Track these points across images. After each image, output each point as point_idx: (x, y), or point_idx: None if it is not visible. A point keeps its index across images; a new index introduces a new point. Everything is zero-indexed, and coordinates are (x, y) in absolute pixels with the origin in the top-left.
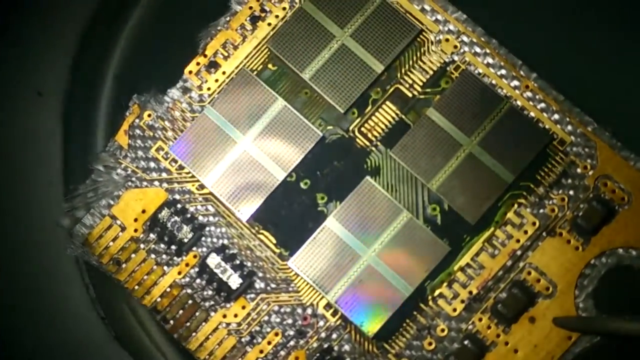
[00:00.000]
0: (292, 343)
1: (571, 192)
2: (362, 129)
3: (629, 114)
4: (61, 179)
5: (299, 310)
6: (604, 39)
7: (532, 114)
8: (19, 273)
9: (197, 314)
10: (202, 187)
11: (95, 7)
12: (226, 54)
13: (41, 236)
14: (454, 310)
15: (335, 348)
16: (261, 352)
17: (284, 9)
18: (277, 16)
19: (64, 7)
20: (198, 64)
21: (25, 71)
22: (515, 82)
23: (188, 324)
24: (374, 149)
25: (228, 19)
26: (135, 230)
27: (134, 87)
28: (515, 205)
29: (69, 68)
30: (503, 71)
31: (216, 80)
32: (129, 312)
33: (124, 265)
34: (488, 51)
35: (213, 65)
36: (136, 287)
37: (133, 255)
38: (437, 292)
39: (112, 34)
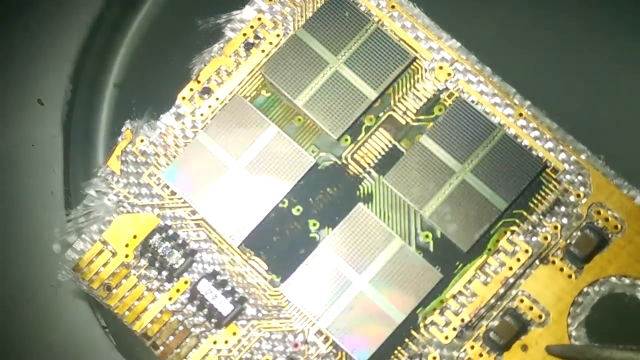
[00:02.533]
0: None
1: (564, 220)
2: (355, 155)
3: (622, 142)
4: (62, 188)
5: (290, 337)
6: (597, 67)
7: (525, 141)
8: (18, 282)
9: (187, 340)
10: (194, 212)
11: (96, 16)
12: (220, 80)
13: (42, 245)
14: (446, 337)
15: None
16: None
17: (278, 35)
18: (270, 43)
19: (65, 17)
20: (191, 89)
21: (26, 80)
22: (509, 110)
23: (178, 349)
24: (366, 175)
25: (222, 45)
26: (127, 256)
27: (134, 96)
28: (508, 233)
29: (69, 77)
30: (497, 99)
31: (209, 106)
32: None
33: (114, 291)
34: (482, 79)
35: (206, 92)
36: (126, 313)
37: (124, 281)
38: (429, 320)
39: (112, 43)
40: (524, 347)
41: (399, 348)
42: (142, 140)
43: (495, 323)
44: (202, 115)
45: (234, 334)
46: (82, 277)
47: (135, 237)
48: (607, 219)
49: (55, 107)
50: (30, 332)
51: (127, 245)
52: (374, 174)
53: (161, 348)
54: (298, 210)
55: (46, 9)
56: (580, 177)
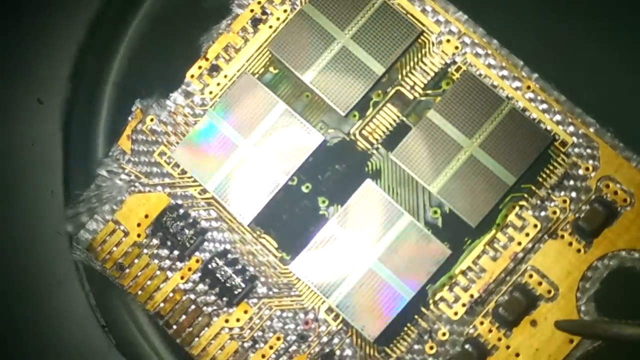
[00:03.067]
0: (293, 347)
1: (573, 194)
2: (363, 131)
3: (631, 114)
4: (62, 187)
5: (301, 315)
6: (605, 39)
7: (533, 115)
8: (19, 281)
9: (199, 318)
10: (204, 191)
11: (95, 15)
12: (228, 58)
13: (42, 244)
14: (455, 313)
15: (337, 352)
16: (263, 356)
17: (285, 11)
18: (278, 18)
19: (64, 15)
20: (200, 67)
21: (26, 79)
22: (517, 83)
23: (190, 328)
24: (375, 151)
25: (229, 22)
26: (139, 235)
27: (134, 95)
28: (517, 208)
29: (69, 76)
30: (504, 72)
31: (218, 84)
32: (129, 319)
33: (127, 270)
34: (489, 52)
35: (215, 69)
36: (139, 292)
37: (136, 260)
38: (438, 296)
39: (112, 42)
40: (533, 323)
41: (408, 325)
42: (152, 120)
43: (505, 299)
44: (210, 93)
45: (245, 312)
46: (95, 257)
47: (146, 216)
48: (616, 192)
49: (54, 106)
50: (29, 331)
51: (138, 225)
52: (382, 149)
53: (174, 327)
54: (307, 187)
55: (46, 8)
56: (589, 150)
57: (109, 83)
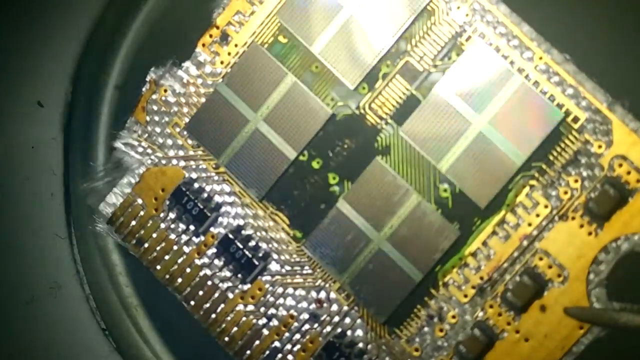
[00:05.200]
0: (306, 327)
1: (585, 173)
2: (373, 105)
3: None
4: (62, 190)
5: (313, 293)
6: (619, 12)
7: (545, 88)
8: (18, 283)
9: (215, 295)
10: (217, 165)
11: (96, 18)
12: (237, 26)
13: (42, 247)
14: (465, 296)
15: (348, 333)
16: (277, 334)
17: None
18: None
19: (65, 18)
20: (211, 36)
21: (26, 81)
22: (528, 54)
23: (207, 304)
24: (385, 126)
25: None
26: (156, 209)
27: (135, 98)
28: (527, 188)
29: (69, 78)
30: (515, 41)
31: (229, 54)
32: (130, 323)
33: (145, 245)
34: (500, 19)
35: (225, 38)
36: (158, 267)
37: (154, 235)
38: (447, 278)
39: (113, 45)
40: (542, 308)
41: (418, 306)
42: (165, 90)
43: (514, 283)
44: (222, 62)
45: (260, 289)
46: (115, 230)
47: (163, 190)
48: (629, 172)
49: (55, 109)
50: (29, 334)
51: (155, 199)
52: (392, 123)
53: (192, 303)
54: (318, 163)
55: (46, 10)
56: (602, 127)
57: (110, 86)
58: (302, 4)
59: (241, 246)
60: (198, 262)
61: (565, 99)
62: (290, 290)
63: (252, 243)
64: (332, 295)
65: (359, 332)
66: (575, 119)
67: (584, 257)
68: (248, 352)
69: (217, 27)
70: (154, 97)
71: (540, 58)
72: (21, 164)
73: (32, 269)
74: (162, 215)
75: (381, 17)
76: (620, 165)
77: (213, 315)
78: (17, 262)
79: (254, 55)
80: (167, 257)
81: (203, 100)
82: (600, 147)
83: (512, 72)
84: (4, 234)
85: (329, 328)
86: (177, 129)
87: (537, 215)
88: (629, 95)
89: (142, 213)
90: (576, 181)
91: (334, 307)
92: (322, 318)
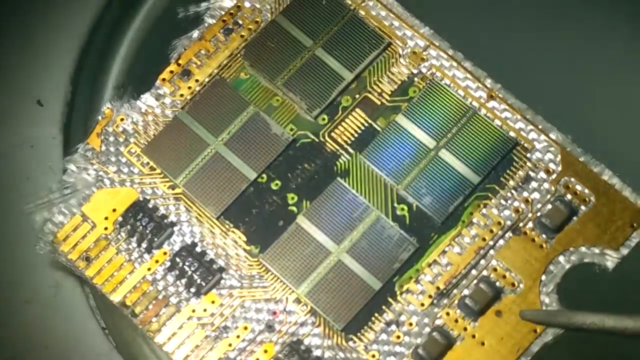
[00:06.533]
0: (261, 337)
1: (535, 195)
2: (332, 134)
3: (590, 121)
4: (61, 190)
5: (269, 306)
6: (565, 50)
7: (497, 121)
8: (16, 283)
9: (165, 308)
10: (173, 187)
11: (96, 18)
12: (199, 63)
13: (41, 247)
14: (422, 304)
15: (305, 341)
16: (230, 345)
17: (257, 22)
18: (249, 29)
19: (64, 17)
20: (171, 72)
21: (26, 81)
22: (480, 93)
23: (156, 317)
24: (343, 152)
25: (202, 30)
26: (106, 228)
27: (134, 98)
28: (481, 206)
29: (69, 78)
30: (469, 82)
31: (189, 88)
32: (129, 322)
33: (93, 262)
34: (454, 64)
35: (186, 74)
36: (105, 283)
37: (103, 253)
38: (405, 288)
39: (112, 44)
40: (498, 313)
41: (376, 315)
42: (122, 119)
43: (470, 290)
44: (181, 95)
45: (213, 302)
46: (60, 249)
47: (114, 210)
48: (576, 193)
49: (54, 108)
50: (29, 333)
51: (106, 218)
52: (350, 150)
53: (140, 316)
54: (277, 184)
55: (46, 10)
56: (549, 155)
57: (109, 86)
58: (267, 43)
59: (195, 261)
60: (149, 277)
61: (515, 131)
62: (245, 303)
63: (207, 258)
64: (289, 307)
65: (316, 341)
66: (525, 148)
67: (536, 267)
68: None
69: (179, 64)
70: (110, 125)
71: (492, 96)
72: (21, 163)
73: (32, 268)
74: (112, 234)
75: (342, 56)
76: (568, 187)
77: (163, 329)
78: (16, 261)
79: (216, 87)
80: (115, 274)
81: (161, 128)
82: (548, 171)
83: (467, 105)
84: (3, 232)
85: (285, 337)
86: (133, 154)
87: (491, 231)
88: (574, 127)
89: (90, 231)
90: (527, 201)
91: (290, 318)
92: (278, 328)
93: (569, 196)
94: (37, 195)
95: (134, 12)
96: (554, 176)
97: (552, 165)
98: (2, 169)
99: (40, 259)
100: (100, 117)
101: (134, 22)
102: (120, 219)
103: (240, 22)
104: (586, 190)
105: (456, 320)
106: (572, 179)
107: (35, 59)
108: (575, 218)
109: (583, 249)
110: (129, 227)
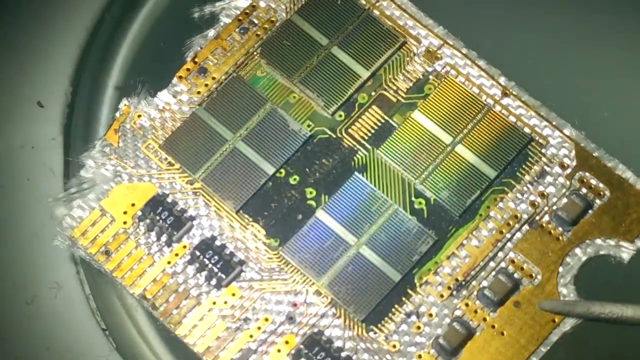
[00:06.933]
0: (282, 328)
1: (550, 189)
2: (350, 130)
3: (603, 117)
4: (62, 190)
5: (289, 297)
6: (577, 49)
7: (511, 118)
8: (18, 283)
9: (186, 300)
10: (192, 182)
11: (96, 18)
12: (216, 61)
13: (42, 247)
14: (441, 296)
15: (326, 332)
16: (251, 336)
17: (272, 21)
18: (265, 28)
19: (65, 18)
20: (188, 69)
21: (26, 82)
22: (495, 90)
23: (177, 310)
24: (360, 148)
25: (218, 30)
26: (125, 223)
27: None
28: (498, 200)
29: (69, 79)
30: (483, 80)
31: (206, 85)
32: (130, 323)
33: (113, 255)
34: (468, 62)
35: (203, 71)
36: (125, 276)
37: (122, 246)
38: (424, 279)
39: (113, 45)
40: (517, 304)
41: (396, 306)
42: (139, 116)
43: (489, 281)
44: (198, 93)
45: (233, 294)
46: (80, 243)
47: (133, 205)
48: (590, 187)
49: (55, 109)
50: (29, 334)
51: (125, 213)
52: (367, 146)
53: (161, 308)
54: (295, 179)
55: (46, 11)
56: (564, 150)
57: (110, 87)
58: (283, 41)
59: (215, 254)
60: (169, 270)
61: (529, 127)
62: (266, 295)
63: (227, 251)
64: (309, 298)
65: (337, 332)
66: (540, 143)
67: (553, 259)
68: (219, 353)
69: (195, 62)
70: (127, 120)
71: (506, 93)
72: (21, 164)
73: (33, 269)
74: (131, 228)
75: (358, 54)
76: (583, 181)
77: (184, 320)
78: (17, 262)
79: (233, 85)
80: (135, 267)
81: (179, 124)
82: (563, 166)
83: (482, 102)
84: (5, 234)
85: (306, 329)
86: (151, 150)
87: (508, 224)
88: (588, 122)
89: (109, 225)
90: (543, 195)
91: (311, 310)
92: (299, 320)
93: (584, 190)
94: (38, 196)
95: (135, 13)
96: (568, 171)
97: (566, 160)
98: (2, 170)
99: (41, 260)
100: (117, 114)
101: (134, 23)
102: (139, 213)
103: (256, 21)
104: (601, 185)
105: (475, 311)
106: (587, 174)
107: (36, 60)
108: (590, 211)
109: (599, 241)
110: (148, 221)
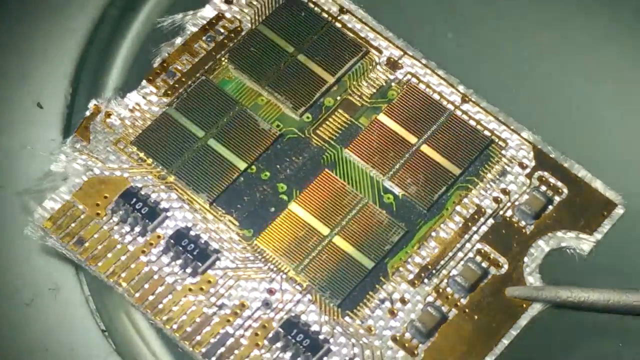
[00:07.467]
0: (258, 313)
1: (512, 186)
2: (317, 131)
3: (559, 120)
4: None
5: (265, 284)
6: (534, 56)
7: (471, 122)
8: (16, 285)
9: (161, 287)
10: (164, 177)
11: (96, 19)
12: (184, 67)
13: (41, 248)
14: (414, 283)
15: (302, 317)
16: (228, 320)
17: (238, 30)
18: (231, 37)
19: (65, 19)
20: (157, 73)
21: (26, 83)
22: (455, 97)
23: (152, 296)
24: (329, 147)
25: (185, 38)
26: (98, 214)
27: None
28: (463, 195)
29: (69, 80)
30: (443, 88)
31: (175, 87)
32: (129, 324)
33: (86, 244)
34: (428, 72)
35: (171, 75)
36: (99, 264)
37: (96, 235)
38: (396, 267)
39: (113, 47)
40: (487, 290)
41: (370, 293)
42: (109, 115)
43: (458, 271)
44: (167, 94)
45: (209, 282)
46: (52, 233)
47: (106, 197)
48: (549, 185)
49: (55, 110)
50: (28, 335)
51: (98, 205)
52: (336, 145)
53: (136, 295)
54: (266, 175)
55: (45, 12)
56: (522, 152)
57: (110, 87)
58: (250, 48)
59: (190, 243)
60: (144, 259)
61: (489, 130)
62: (241, 282)
63: (201, 241)
64: (284, 286)
65: (313, 317)
66: (500, 146)
67: (518, 250)
68: (197, 337)
69: (164, 66)
70: (97, 118)
71: (465, 100)
72: (20, 165)
73: (32, 270)
74: (104, 218)
75: (323, 61)
76: (542, 179)
77: (159, 306)
78: (16, 263)
79: (201, 88)
80: (109, 255)
81: (149, 123)
82: (522, 166)
83: (444, 107)
84: (4, 235)
85: (282, 314)
86: (122, 147)
87: (474, 217)
88: (545, 127)
89: (82, 216)
90: (505, 191)
91: (287, 296)
92: (275, 305)
93: (543, 187)
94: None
95: (134, 14)
96: (528, 170)
97: (525, 161)
98: (2, 170)
99: (40, 261)
100: (87, 113)
101: (134, 24)
102: (112, 205)
103: (222, 30)
104: (559, 183)
105: (447, 297)
106: (546, 173)
107: (35, 61)
108: (550, 207)
109: (560, 233)
110: (121, 212)
